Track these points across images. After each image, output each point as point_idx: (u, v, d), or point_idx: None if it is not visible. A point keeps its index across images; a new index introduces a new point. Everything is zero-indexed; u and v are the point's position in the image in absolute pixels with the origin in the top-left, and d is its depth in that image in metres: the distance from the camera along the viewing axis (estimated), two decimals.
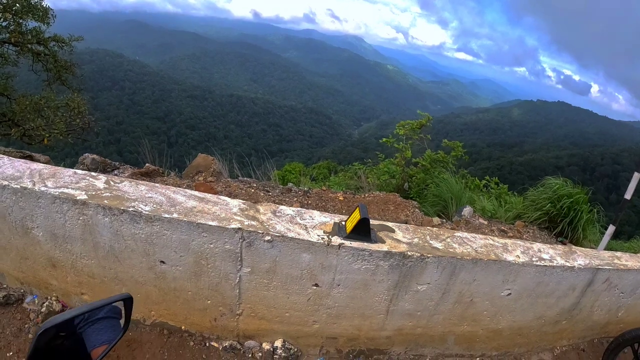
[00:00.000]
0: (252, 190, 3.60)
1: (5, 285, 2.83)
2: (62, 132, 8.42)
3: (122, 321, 1.18)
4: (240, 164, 4.42)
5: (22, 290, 2.76)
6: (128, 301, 1.10)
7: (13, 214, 2.37)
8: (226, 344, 2.34)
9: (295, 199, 3.68)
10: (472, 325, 2.55)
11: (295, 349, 2.36)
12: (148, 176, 3.54)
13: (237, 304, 2.20)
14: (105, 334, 1.08)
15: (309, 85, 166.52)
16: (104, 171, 3.67)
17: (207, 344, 2.38)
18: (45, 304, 2.62)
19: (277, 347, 2.32)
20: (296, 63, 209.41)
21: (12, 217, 2.39)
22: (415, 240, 2.21)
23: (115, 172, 3.66)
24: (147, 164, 3.71)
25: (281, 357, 2.31)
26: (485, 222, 4.03)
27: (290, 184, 4.15)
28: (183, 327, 2.37)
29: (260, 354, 2.33)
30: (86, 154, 3.75)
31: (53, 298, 2.63)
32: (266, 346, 2.33)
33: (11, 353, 2.58)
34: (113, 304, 1.11)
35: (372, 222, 2.14)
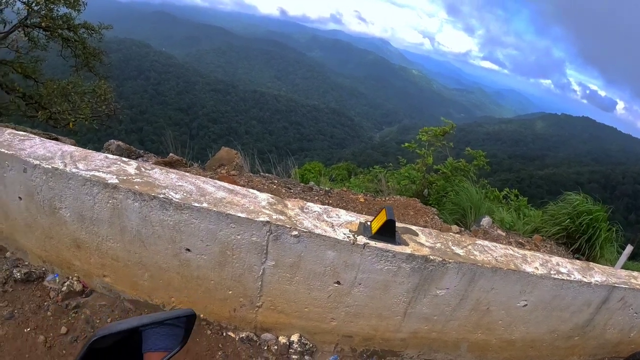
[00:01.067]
0: (274, 187, 3.64)
1: (27, 263, 2.89)
2: (87, 117, 8.58)
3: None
4: (260, 160, 4.46)
5: (43, 269, 2.81)
6: (191, 317, 1.06)
7: (42, 193, 2.42)
8: (243, 335, 2.37)
9: (317, 197, 3.72)
10: (486, 333, 2.56)
11: (311, 345, 2.38)
12: (171, 166, 3.58)
13: (258, 296, 2.23)
14: (165, 341, 1.04)
15: (333, 86, 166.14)
16: (128, 158, 3.72)
17: (224, 334, 2.41)
18: (66, 284, 2.68)
19: (293, 341, 2.34)
20: (321, 63, 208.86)
21: (40, 197, 2.45)
22: (438, 245, 2.23)
23: (140, 159, 3.71)
24: (170, 154, 3.76)
25: (296, 352, 2.34)
26: (503, 234, 4.04)
27: (311, 183, 4.18)
28: (202, 316, 2.41)
29: (275, 347, 2.36)
30: (111, 141, 3.81)
31: (74, 278, 2.68)
32: (282, 340, 2.36)
33: (29, 329, 2.63)
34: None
35: (396, 224, 2.16)
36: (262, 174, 4.07)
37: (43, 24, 8.40)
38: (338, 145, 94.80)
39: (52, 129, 8.03)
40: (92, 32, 9.40)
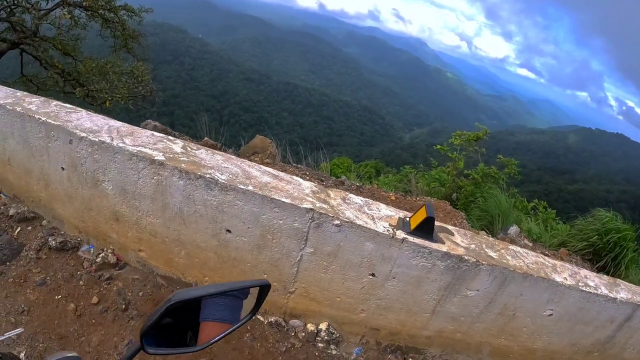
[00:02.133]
0: (306, 178, 3.69)
1: (63, 232, 2.96)
2: (124, 97, 8.74)
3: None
4: (290, 151, 4.52)
5: (79, 239, 2.89)
6: (266, 288, 1.02)
7: (86, 165, 2.49)
8: (272, 319, 2.42)
9: (348, 192, 3.75)
10: (509, 339, 2.58)
11: (338, 335, 2.42)
12: None
13: (292, 282, 2.27)
14: (224, 312, 0.99)
15: (366, 83, 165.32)
16: None
17: (253, 317, 2.46)
18: (100, 255, 2.75)
19: (321, 329, 2.39)
20: (356, 59, 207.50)
21: (84, 168, 2.52)
22: (472, 246, 2.26)
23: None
24: (205, 138, 3.83)
25: (323, 340, 2.38)
26: (530, 244, 4.04)
27: (343, 177, 4.24)
28: None
29: (303, 334, 2.40)
30: (148, 120, 3.89)
31: (109, 250, 2.75)
32: (310, 327, 2.40)
33: (60, 296, 2.71)
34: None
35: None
36: (293, 164, 4.13)
37: (85, 4, 8.58)
38: (367, 143, 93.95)
39: (89, 106, 8.19)
40: (132, 14, 9.56)
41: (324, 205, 2.08)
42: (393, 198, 3.92)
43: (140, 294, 2.65)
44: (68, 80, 8.57)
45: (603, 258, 4.21)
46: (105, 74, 8.76)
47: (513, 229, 4.16)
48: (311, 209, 2.04)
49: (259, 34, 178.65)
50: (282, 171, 3.85)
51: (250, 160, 3.97)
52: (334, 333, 2.40)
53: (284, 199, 2.05)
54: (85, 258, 2.82)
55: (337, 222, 2.04)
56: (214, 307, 1.02)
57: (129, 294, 2.65)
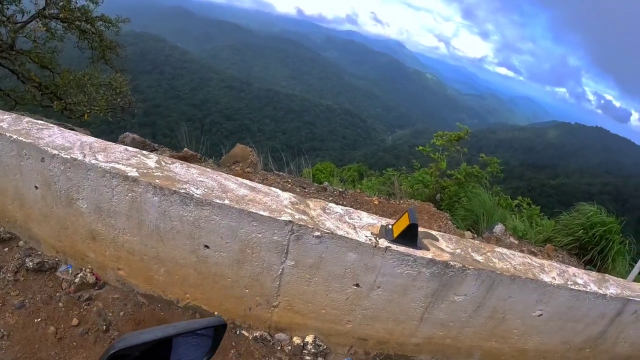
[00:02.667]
0: (288, 186, 3.63)
1: (40, 252, 2.87)
2: (102, 109, 8.59)
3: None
4: (272, 158, 4.45)
5: (56, 259, 2.80)
6: (221, 328, 1.00)
7: (59, 183, 2.41)
8: (257, 334, 2.36)
9: (331, 198, 3.71)
10: (500, 342, 2.55)
11: (325, 347, 2.37)
12: (186, 160, 3.55)
13: (275, 296, 2.21)
14: (195, 352, 0.99)
15: (347, 87, 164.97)
16: None
17: (238, 332, 2.40)
18: (79, 275, 2.66)
19: (307, 342, 2.33)
20: (335, 63, 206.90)
21: (57, 187, 2.43)
22: (458, 251, 2.21)
23: (154, 153, 3.70)
24: (185, 149, 3.75)
25: (310, 353, 2.32)
26: (516, 242, 4.03)
27: (325, 183, 4.18)
28: (216, 313, 2.39)
29: (289, 348, 2.34)
30: (127, 133, 3.80)
31: (88, 270, 2.67)
32: (297, 340, 2.34)
33: (39, 319, 2.62)
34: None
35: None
36: (275, 172, 4.06)
37: (61, 15, 8.41)
38: (350, 147, 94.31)
39: (67, 119, 8.03)
40: (110, 24, 9.41)
41: (303, 217, 2.02)
42: (376, 202, 3.87)
43: (121, 313, 2.57)
44: (46, 94, 8.41)
45: (589, 252, 4.21)
46: (83, 86, 8.60)
47: (498, 228, 4.14)
48: (290, 221, 1.98)
49: (238, 41, 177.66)
50: (263, 180, 3.80)
51: (231, 170, 3.92)
52: (320, 345, 2.35)
53: (261, 212, 1.99)
54: (63, 279, 2.73)
55: (317, 233, 1.98)
56: (185, 347, 0.99)
57: (110, 314, 2.57)
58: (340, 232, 1.99)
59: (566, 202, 4.67)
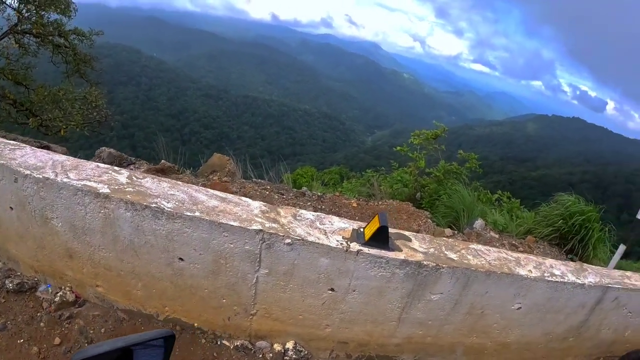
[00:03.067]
0: (267, 193, 3.64)
1: (19, 273, 2.86)
2: (79, 124, 8.51)
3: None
4: (252, 165, 4.46)
5: (36, 279, 2.79)
6: (170, 339, 1.06)
7: (33, 203, 2.40)
8: (237, 343, 2.36)
9: (309, 203, 3.72)
10: (481, 337, 2.57)
11: (306, 352, 2.38)
12: (163, 173, 3.57)
13: (252, 304, 2.22)
14: None
15: (324, 90, 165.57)
16: (119, 166, 3.70)
17: (219, 342, 2.40)
18: (58, 294, 2.65)
19: (288, 348, 2.34)
20: (312, 67, 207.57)
21: (31, 206, 2.43)
22: (431, 250, 2.23)
23: (131, 167, 3.69)
24: (162, 161, 3.75)
25: (292, 359, 2.33)
26: (497, 236, 4.06)
27: (304, 188, 4.18)
28: (196, 324, 2.40)
29: (270, 355, 2.35)
30: (103, 148, 3.79)
31: (67, 288, 2.66)
32: (277, 347, 2.35)
33: (22, 340, 2.60)
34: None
35: (389, 230, 2.17)
36: (254, 180, 4.07)
37: (34, 31, 8.34)
38: (330, 150, 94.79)
39: (44, 136, 7.95)
40: (83, 38, 9.35)
41: (273, 225, 2.03)
42: (355, 205, 3.89)
43: (102, 330, 2.57)
44: (21, 111, 8.34)
45: (570, 241, 4.25)
46: (58, 101, 8.52)
47: (478, 223, 4.17)
48: (260, 230, 1.99)
49: (214, 49, 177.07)
50: (241, 188, 3.81)
51: (209, 180, 3.93)
52: (301, 351, 2.35)
53: (232, 222, 2.00)
54: (44, 298, 2.72)
55: (288, 240, 1.99)
56: (145, 358, 1.02)
57: (91, 332, 2.56)
58: (311, 238, 2.00)
59: (547, 193, 4.72)
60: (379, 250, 2.06)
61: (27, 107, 8.31)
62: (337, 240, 2.04)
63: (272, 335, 2.35)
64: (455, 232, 3.99)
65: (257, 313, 2.26)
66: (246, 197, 3.58)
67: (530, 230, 4.46)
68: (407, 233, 2.29)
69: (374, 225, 2.05)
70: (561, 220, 4.27)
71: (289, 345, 2.35)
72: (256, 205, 2.16)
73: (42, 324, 2.66)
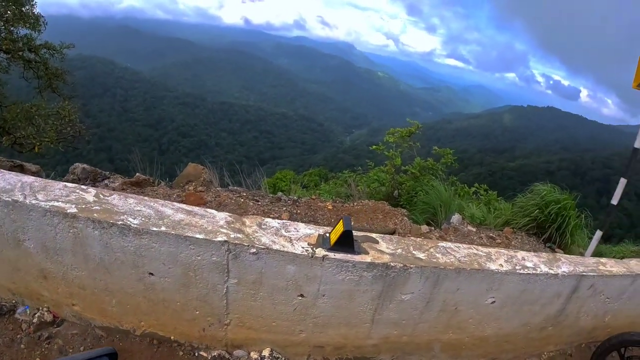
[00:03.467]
0: (242, 200, 3.66)
1: None
2: (52, 140, 8.37)
3: None
4: (231, 171, 4.47)
5: (14, 301, 2.79)
6: (113, 356, 1.08)
7: (5, 226, 2.41)
8: (215, 354, 2.38)
9: (285, 208, 3.73)
10: (457, 333, 2.60)
11: (283, 358, 2.40)
12: (139, 186, 3.58)
13: (225, 314, 2.24)
14: None
15: (301, 92, 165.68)
16: (94, 180, 3.71)
17: (196, 354, 2.42)
18: (36, 315, 2.66)
19: (265, 356, 2.36)
20: (287, 70, 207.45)
21: (4, 229, 2.43)
22: (399, 251, 2.26)
23: (106, 181, 3.70)
24: (137, 174, 3.75)
25: None
26: (474, 229, 4.09)
27: (280, 193, 4.20)
28: (172, 337, 2.41)
29: None
30: (77, 164, 3.80)
31: (44, 309, 2.67)
32: (254, 355, 2.37)
33: None
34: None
35: (356, 233, 2.19)
36: (230, 187, 4.08)
37: (3, 47, 8.23)
38: (309, 152, 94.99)
39: (18, 154, 7.85)
40: (54, 52, 9.22)
41: (238, 235, 2.05)
42: (330, 207, 3.91)
43: (82, 348, 2.58)
44: None
45: (547, 230, 4.28)
46: (31, 118, 8.36)
47: (455, 217, 4.20)
48: (226, 241, 2.01)
49: (189, 56, 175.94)
50: (216, 197, 3.83)
51: (185, 190, 3.94)
52: (278, 357, 2.38)
53: (197, 235, 2.02)
54: (22, 320, 2.73)
55: (253, 250, 2.01)
56: None
57: (70, 351, 2.57)
58: (276, 247, 2.02)
59: (527, 182, 4.77)
60: (344, 255, 2.08)
61: (0, 125, 8.20)
62: (303, 247, 2.06)
63: (248, 343, 2.37)
64: (433, 228, 4.02)
65: (231, 323, 2.28)
66: (221, 205, 3.61)
67: (508, 221, 4.50)
68: (374, 235, 2.31)
69: (338, 230, 2.07)
70: (537, 210, 4.31)
71: (265, 352, 2.36)
72: (222, 217, 2.17)
73: (22, 345, 2.66)
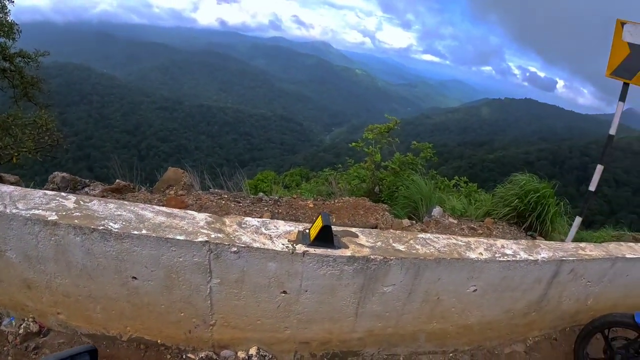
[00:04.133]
0: (223, 202, 3.68)
1: None
2: (30, 150, 8.20)
3: None
4: (212, 174, 4.48)
5: None
6: (93, 353, 1.11)
7: None
8: (202, 355, 2.39)
9: (266, 208, 3.76)
10: (441, 322, 2.65)
11: (270, 356, 2.42)
12: (119, 192, 3.58)
13: (210, 315, 2.26)
14: None
15: (278, 93, 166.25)
16: (74, 189, 3.69)
17: (184, 356, 2.43)
18: (22, 326, 2.64)
19: (252, 354, 2.38)
20: (264, 70, 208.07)
21: None
22: (379, 244, 2.30)
23: (86, 189, 3.69)
24: (117, 180, 3.75)
25: None
26: (455, 221, 4.16)
27: (261, 194, 4.23)
28: (159, 341, 2.42)
29: None
30: (56, 173, 3.78)
31: (30, 319, 2.65)
32: (242, 354, 2.39)
33: None
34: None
35: (335, 228, 2.23)
36: (211, 190, 4.10)
37: None
38: (289, 152, 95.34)
39: None
40: (29, 60, 9.07)
41: (219, 235, 2.08)
42: (311, 205, 3.95)
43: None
44: None
45: (528, 219, 4.38)
46: (7, 128, 8.21)
47: (436, 210, 4.27)
48: (206, 242, 2.03)
49: (165, 60, 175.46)
50: (197, 200, 3.85)
51: (165, 194, 3.95)
52: (265, 355, 2.40)
53: (178, 237, 2.04)
54: (8, 332, 2.71)
55: (234, 249, 2.04)
56: None
57: None
58: (256, 245, 2.05)
59: (507, 173, 4.87)
60: (325, 250, 2.12)
61: None
62: (283, 244, 2.09)
63: (234, 343, 2.39)
64: (414, 222, 4.08)
65: (217, 323, 2.30)
66: (202, 208, 3.63)
67: (489, 212, 4.58)
68: (354, 229, 2.35)
69: (317, 225, 2.11)
70: (517, 200, 4.41)
71: (252, 351, 2.39)
72: (202, 217, 2.20)
73: (9, 357, 2.65)
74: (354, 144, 6.41)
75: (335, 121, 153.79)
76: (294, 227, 2.25)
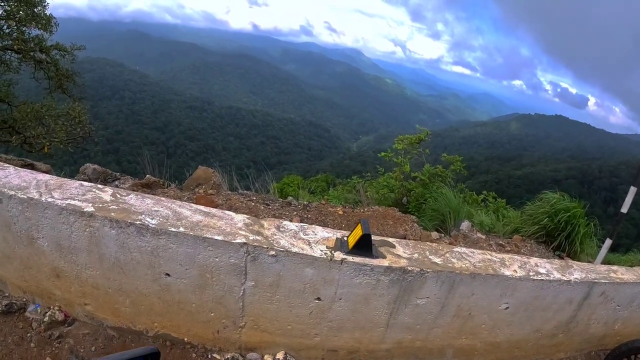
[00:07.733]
0: (252, 204, 3.65)
1: (7, 294, 2.85)
2: (62, 140, 8.40)
3: None
4: (239, 176, 4.46)
5: (24, 299, 2.78)
6: (155, 356, 1.07)
7: (18, 223, 2.40)
8: (228, 356, 2.37)
9: (295, 212, 3.74)
10: (470, 338, 2.59)
11: None
12: (148, 187, 3.57)
13: (240, 317, 2.23)
14: None
15: (308, 98, 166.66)
16: (104, 181, 3.69)
17: (210, 356, 2.41)
18: (47, 314, 2.64)
19: (278, 359, 2.35)
20: (295, 75, 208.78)
21: (17, 227, 2.42)
22: (415, 255, 2.26)
23: (116, 182, 3.69)
24: (147, 175, 3.75)
25: None
26: (483, 237, 4.10)
27: (290, 198, 4.20)
28: (186, 339, 2.40)
29: None
30: (87, 164, 3.78)
31: (56, 308, 2.65)
32: (268, 358, 2.36)
33: None
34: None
35: (373, 237, 2.19)
36: (240, 191, 4.07)
37: (15, 47, 8.28)
38: (316, 157, 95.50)
39: (27, 153, 7.87)
40: (65, 53, 9.27)
41: (257, 237, 2.05)
42: (341, 212, 3.92)
43: (93, 348, 2.56)
44: (4, 128, 8.24)
45: (557, 238, 4.30)
46: (41, 118, 8.40)
47: (465, 225, 4.21)
48: (245, 243, 2.00)
49: (197, 60, 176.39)
50: (226, 200, 3.82)
51: (195, 193, 3.93)
52: None
53: (216, 237, 2.01)
54: (33, 319, 2.71)
55: (272, 252, 2.01)
56: None
57: (82, 350, 2.56)
58: (295, 249, 2.02)
59: (534, 190, 4.79)
60: (362, 258, 2.08)
61: (10, 125, 8.18)
62: (321, 250, 2.06)
63: (262, 346, 2.36)
64: (442, 235, 4.02)
65: (246, 325, 2.27)
66: (232, 209, 3.60)
67: (517, 229, 4.52)
68: (391, 240, 2.31)
69: (357, 233, 2.07)
70: (547, 218, 4.34)
71: (279, 356, 2.36)
72: (240, 219, 2.17)
73: (32, 344, 2.65)
74: (383, 154, 6.37)
75: (362, 129, 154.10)
76: (332, 234, 2.21)
